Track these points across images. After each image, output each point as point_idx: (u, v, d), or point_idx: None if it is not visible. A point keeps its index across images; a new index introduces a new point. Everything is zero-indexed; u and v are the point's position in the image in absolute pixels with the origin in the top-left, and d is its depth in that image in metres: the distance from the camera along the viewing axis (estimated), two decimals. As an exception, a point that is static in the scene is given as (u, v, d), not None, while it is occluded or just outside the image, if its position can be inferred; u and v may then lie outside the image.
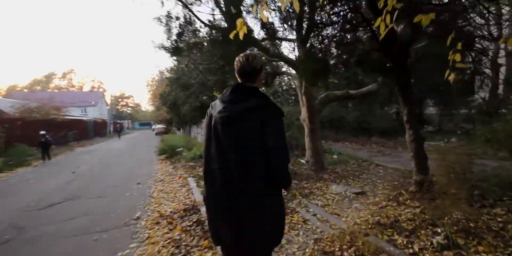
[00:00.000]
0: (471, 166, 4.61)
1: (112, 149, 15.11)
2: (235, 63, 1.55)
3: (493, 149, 3.82)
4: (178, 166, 7.78)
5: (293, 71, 6.37)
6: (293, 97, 14.09)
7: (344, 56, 3.07)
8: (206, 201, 1.59)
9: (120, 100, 62.13)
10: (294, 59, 5.99)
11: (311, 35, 3.29)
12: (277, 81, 15.77)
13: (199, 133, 14.10)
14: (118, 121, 40.96)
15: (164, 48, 5.57)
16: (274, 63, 7.35)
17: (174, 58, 13.65)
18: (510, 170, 4.77)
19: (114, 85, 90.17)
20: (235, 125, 1.43)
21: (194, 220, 3.49)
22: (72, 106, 35.45)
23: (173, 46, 5.44)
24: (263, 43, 5.94)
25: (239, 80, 1.56)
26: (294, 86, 14.47)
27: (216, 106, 1.53)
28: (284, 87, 15.44)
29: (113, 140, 23.55)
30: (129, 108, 64.31)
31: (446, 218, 2.97)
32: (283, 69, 8.89)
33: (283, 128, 1.49)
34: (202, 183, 5.30)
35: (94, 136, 25.91)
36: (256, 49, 6.01)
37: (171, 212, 3.91)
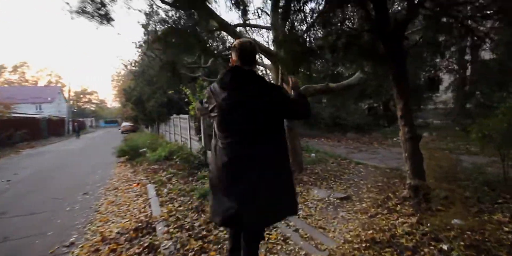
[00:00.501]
0: (460, 165, 4.33)
1: (66, 151, 13.51)
2: (237, 46, 1.56)
3: (487, 145, 3.44)
4: (139, 170, 6.83)
5: (269, 62, 5.72)
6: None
7: (331, 38, 2.50)
8: (215, 176, 1.62)
9: (82, 96, 57.74)
10: (270, 48, 5.34)
11: (291, 11, 2.67)
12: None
13: (167, 131, 13.02)
14: (79, 119, 37.78)
15: (85, 12, 3.97)
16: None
17: (139, 49, 12.41)
18: (490, 166, 4.57)
19: (75, 80, 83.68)
20: (240, 109, 1.50)
21: (146, 244, 2.73)
22: (25, 103, 32.04)
23: (98, 8, 3.94)
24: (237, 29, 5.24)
25: (238, 63, 1.58)
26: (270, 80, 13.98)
27: (217, 92, 1.58)
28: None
29: (70, 141, 21.43)
30: (92, 105, 60.12)
31: (449, 230, 2.53)
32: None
33: (287, 96, 1.63)
34: (163, 189, 4.44)
35: (49, 136, 23.42)
36: (227, 35, 5.30)
37: (117, 233, 3.10)
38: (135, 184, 5.34)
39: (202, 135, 6.63)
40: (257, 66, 2.01)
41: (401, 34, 2.56)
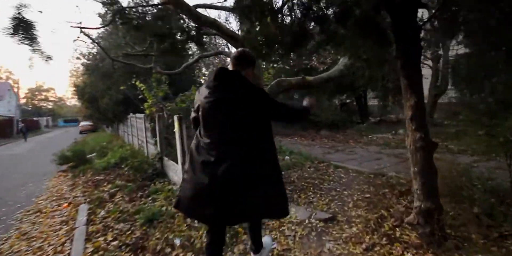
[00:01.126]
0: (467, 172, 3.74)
1: (5, 157, 11.55)
2: (234, 53, 1.71)
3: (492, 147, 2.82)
4: (79, 182, 5.60)
5: (234, 50, 4.78)
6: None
7: (320, 6, 1.68)
8: (192, 173, 1.57)
9: (37, 93, 52.50)
10: (237, 33, 4.43)
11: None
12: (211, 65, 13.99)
13: (126, 132, 11.58)
14: (28, 119, 34.04)
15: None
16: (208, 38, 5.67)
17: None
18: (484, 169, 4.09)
19: (29, 76, 76.08)
20: (220, 107, 1.52)
21: None
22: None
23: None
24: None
25: (231, 66, 1.70)
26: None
27: (202, 91, 1.63)
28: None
29: (18, 143, 18.91)
30: (50, 103, 55.06)
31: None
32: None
33: (270, 98, 1.62)
34: (100, 211, 3.40)
35: (-10, 138, 20.54)
36: (185, 17, 4.31)
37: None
38: (65, 205, 4.18)
39: (158, 138, 5.57)
40: (252, 70, 1.69)
41: (415, 3, 1.80)
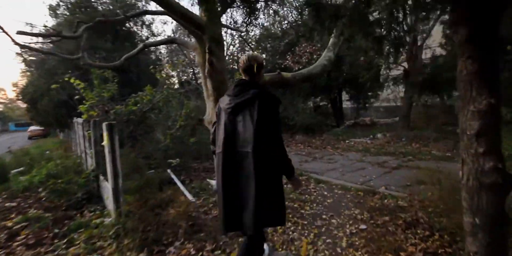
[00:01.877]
0: None
1: None
2: (239, 62, 1.80)
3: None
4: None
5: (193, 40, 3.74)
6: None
7: None
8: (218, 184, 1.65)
9: (-17, 94, 46.83)
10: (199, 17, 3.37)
11: None
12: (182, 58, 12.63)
13: (73, 138, 9.88)
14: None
15: None
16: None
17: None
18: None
19: (-28, 75, 67.82)
20: (239, 114, 1.64)
21: None
22: None
23: None
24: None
25: (243, 76, 1.80)
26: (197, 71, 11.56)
27: (224, 99, 1.76)
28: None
29: None
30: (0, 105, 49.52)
31: None
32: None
33: (277, 115, 1.66)
34: None
35: None
36: None
37: None
38: None
39: (93, 150, 4.32)
40: (261, 77, 1.71)
41: None
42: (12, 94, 56.06)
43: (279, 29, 12.86)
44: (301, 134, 10.30)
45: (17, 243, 2.91)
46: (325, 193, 4.03)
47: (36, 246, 2.81)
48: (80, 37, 4.70)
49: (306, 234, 2.73)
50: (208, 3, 3.20)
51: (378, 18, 1.89)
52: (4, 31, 4.89)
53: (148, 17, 12.67)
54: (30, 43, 6.55)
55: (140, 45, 5.23)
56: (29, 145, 14.49)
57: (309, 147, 8.82)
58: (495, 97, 1.11)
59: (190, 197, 3.78)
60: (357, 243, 2.49)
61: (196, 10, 11.88)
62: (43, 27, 9.68)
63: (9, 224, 3.41)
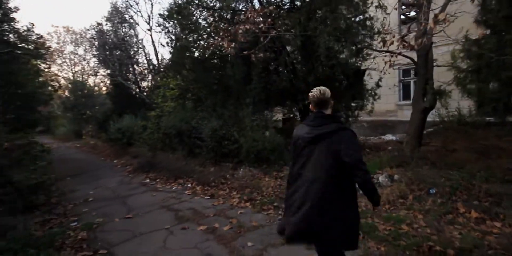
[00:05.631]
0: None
1: None
2: (310, 97, 1.97)
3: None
4: None
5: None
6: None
7: None
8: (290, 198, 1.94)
9: None
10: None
11: None
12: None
13: None
14: None
15: None
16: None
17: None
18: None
19: None
20: (318, 143, 1.85)
21: None
22: None
23: None
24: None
25: (314, 109, 2.00)
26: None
27: (302, 128, 1.99)
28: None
29: None
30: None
31: None
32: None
33: (358, 145, 1.88)
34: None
35: None
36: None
37: None
38: None
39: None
40: (331, 108, 2.01)
41: None
42: None
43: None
44: (248, 166, 6.14)
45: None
46: None
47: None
48: None
49: None
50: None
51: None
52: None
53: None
54: None
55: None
56: None
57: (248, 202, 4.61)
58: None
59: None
60: None
61: None
62: None
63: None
